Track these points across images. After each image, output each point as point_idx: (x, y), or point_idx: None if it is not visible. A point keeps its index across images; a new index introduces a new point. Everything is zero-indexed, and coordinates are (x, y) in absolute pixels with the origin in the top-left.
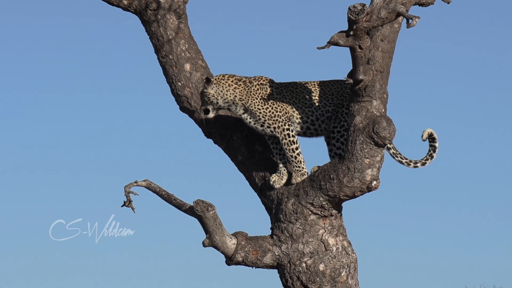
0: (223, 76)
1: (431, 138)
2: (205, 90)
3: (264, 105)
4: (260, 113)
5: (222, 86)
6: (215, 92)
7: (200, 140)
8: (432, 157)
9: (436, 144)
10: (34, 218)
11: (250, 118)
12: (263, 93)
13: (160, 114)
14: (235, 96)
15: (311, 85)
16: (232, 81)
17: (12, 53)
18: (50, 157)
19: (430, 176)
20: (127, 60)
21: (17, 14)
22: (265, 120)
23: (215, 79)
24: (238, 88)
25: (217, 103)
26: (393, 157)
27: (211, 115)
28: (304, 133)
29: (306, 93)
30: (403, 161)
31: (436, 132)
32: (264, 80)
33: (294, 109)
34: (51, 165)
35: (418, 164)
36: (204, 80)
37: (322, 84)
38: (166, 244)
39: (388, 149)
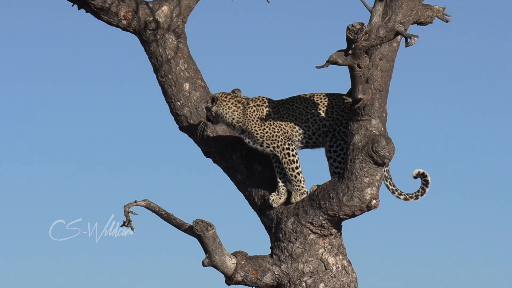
0: (226, 96)
1: (421, 174)
2: (208, 106)
3: (261, 126)
4: (257, 134)
5: (223, 108)
6: (216, 112)
7: (199, 159)
8: (424, 191)
9: (428, 179)
10: (34, 218)
11: (248, 139)
12: (259, 114)
13: (159, 133)
14: (233, 119)
15: (311, 98)
16: (232, 103)
17: (14, 74)
18: (50, 157)
19: (431, 195)
20: (126, 80)
21: (16, 34)
22: (263, 141)
23: (219, 99)
24: (237, 111)
25: (218, 118)
26: (387, 187)
27: (213, 124)
28: (306, 146)
29: (303, 107)
30: (396, 193)
31: (434, 151)
32: (260, 101)
33: (292, 126)
34: (51, 165)
35: (410, 199)
36: (210, 99)
37: (323, 97)
38: (165, 248)
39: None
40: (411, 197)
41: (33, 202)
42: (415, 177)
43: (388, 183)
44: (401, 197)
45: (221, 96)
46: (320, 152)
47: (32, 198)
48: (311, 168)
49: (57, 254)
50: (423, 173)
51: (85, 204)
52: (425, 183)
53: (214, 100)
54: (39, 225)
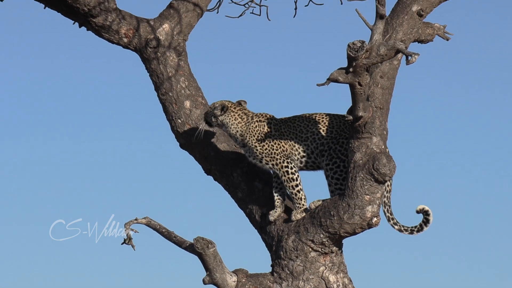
0: (235, 107)
1: (424, 212)
2: (216, 112)
3: (261, 142)
4: (257, 150)
5: (229, 118)
6: (222, 120)
7: (200, 177)
8: (422, 228)
9: (430, 218)
10: (34, 218)
11: (248, 154)
12: (260, 130)
13: (160, 151)
14: (237, 131)
15: (312, 117)
16: (238, 115)
17: (15, 91)
18: (50, 157)
19: (433, 211)
20: (127, 97)
21: (18, 51)
22: (262, 157)
23: (229, 109)
24: (241, 123)
25: (221, 127)
26: (384, 213)
27: (211, 128)
28: (305, 166)
29: (303, 126)
30: (391, 221)
31: (436, 172)
32: (263, 117)
33: (292, 145)
34: (51, 165)
35: (404, 232)
36: (220, 106)
37: (324, 116)
38: (166, 266)
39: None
40: (406, 230)
41: (33, 202)
42: (418, 212)
43: (385, 210)
44: (396, 227)
45: (230, 106)
46: (321, 172)
47: (32, 198)
48: (313, 187)
49: (57, 254)
50: (426, 211)
51: (85, 204)
52: (426, 221)
53: (224, 108)
54: (39, 225)
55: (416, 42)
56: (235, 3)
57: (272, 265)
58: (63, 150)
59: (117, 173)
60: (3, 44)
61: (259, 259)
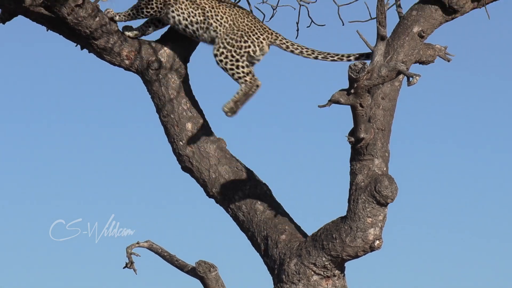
0: None
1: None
2: None
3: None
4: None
5: None
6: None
7: (201, 199)
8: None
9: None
10: (34, 218)
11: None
12: None
13: (161, 173)
14: None
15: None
16: None
17: (18, 103)
18: (50, 157)
19: (434, 236)
20: (128, 120)
21: (17, 68)
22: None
23: None
24: None
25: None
26: None
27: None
28: (184, 31)
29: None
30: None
31: (438, 188)
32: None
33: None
34: (51, 165)
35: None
36: None
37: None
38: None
39: None
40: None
41: (33, 202)
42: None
43: None
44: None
45: None
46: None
47: (32, 198)
48: (316, 199)
49: (57, 254)
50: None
51: (85, 204)
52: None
53: None
54: (39, 225)
55: (417, 63)
56: None
57: None
58: (63, 150)
59: (119, 175)
60: (2, 66)
61: (261, 283)
